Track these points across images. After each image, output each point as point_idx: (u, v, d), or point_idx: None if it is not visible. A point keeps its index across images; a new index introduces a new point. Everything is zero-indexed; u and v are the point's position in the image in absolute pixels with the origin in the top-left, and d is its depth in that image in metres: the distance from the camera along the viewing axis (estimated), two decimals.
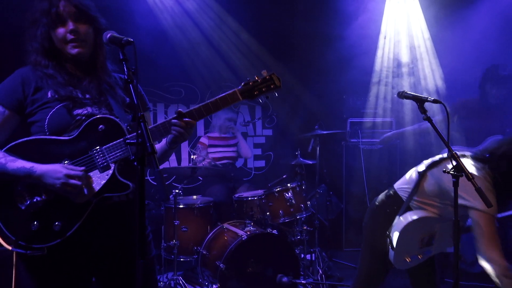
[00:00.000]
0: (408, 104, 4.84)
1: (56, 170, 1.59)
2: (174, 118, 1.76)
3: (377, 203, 2.64)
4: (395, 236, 2.39)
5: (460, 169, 2.08)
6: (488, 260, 2.21)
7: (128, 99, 1.90)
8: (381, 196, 2.65)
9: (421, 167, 2.53)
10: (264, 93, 1.89)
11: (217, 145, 4.90)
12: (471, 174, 2.02)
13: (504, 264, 2.18)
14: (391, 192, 2.61)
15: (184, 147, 5.34)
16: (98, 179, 1.69)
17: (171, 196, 3.90)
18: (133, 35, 1.77)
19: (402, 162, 5.14)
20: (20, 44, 1.81)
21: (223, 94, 1.84)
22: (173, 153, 5.52)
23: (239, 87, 1.88)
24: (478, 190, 1.98)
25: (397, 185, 2.63)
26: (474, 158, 2.39)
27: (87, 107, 1.77)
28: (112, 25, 1.85)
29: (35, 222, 1.61)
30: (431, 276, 2.62)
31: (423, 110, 2.30)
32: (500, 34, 4.59)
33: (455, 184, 2.13)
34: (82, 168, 1.66)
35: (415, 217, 2.39)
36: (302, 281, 3.68)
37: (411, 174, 2.59)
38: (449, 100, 4.21)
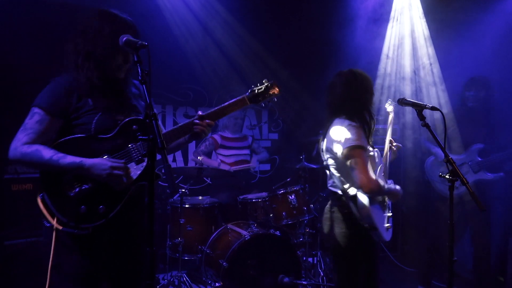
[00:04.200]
0: (410, 113, 4.93)
1: (102, 163, 1.86)
2: (195, 119, 2.10)
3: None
4: (368, 219, 2.47)
5: (455, 173, 2.17)
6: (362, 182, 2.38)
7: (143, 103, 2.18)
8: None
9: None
10: (266, 98, 2.26)
11: (230, 147, 4.88)
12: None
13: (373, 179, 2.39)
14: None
15: (192, 148, 5.44)
16: (135, 170, 1.98)
17: (177, 196, 4.00)
18: (144, 38, 1.89)
19: (405, 168, 5.20)
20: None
21: (234, 100, 2.21)
22: (181, 155, 5.63)
23: (247, 93, 2.24)
24: (472, 194, 2.08)
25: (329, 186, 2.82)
26: None
27: (123, 111, 2.04)
28: None
29: (83, 206, 1.88)
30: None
31: (421, 117, 2.39)
32: (505, 49, 4.63)
33: (451, 189, 2.22)
34: (123, 160, 1.94)
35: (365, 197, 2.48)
36: (303, 282, 3.75)
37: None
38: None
